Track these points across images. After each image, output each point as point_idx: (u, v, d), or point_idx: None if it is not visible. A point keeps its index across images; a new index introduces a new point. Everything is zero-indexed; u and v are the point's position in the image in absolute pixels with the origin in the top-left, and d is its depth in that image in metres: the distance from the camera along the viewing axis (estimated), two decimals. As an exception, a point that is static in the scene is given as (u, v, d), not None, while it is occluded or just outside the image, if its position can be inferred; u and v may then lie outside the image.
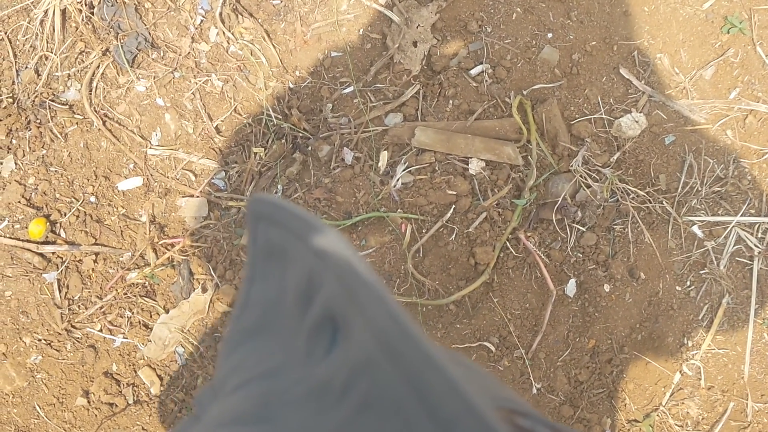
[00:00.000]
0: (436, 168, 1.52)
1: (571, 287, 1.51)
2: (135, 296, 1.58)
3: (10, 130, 1.62)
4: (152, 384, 1.59)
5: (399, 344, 0.31)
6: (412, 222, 1.51)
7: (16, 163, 1.62)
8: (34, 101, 1.61)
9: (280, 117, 1.58)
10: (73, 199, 1.60)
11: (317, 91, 1.59)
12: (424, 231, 1.52)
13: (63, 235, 1.60)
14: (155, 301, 1.59)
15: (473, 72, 1.56)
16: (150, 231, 1.59)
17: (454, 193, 1.50)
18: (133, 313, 1.58)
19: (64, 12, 1.62)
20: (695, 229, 1.54)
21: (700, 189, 1.54)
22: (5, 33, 1.64)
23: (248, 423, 0.38)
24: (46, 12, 1.61)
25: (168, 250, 1.58)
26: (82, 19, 1.61)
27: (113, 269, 1.59)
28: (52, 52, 1.62)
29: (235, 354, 0.46)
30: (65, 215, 1.60)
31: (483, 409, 0.29)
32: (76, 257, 1.59)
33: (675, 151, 1.55)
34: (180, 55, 1.61)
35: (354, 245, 1.53)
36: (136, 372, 1.59)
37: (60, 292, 1.59)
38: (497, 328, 1.52)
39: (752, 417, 1.53)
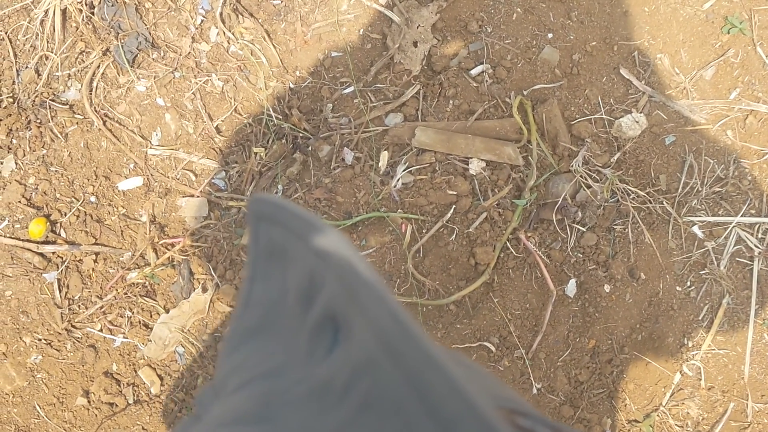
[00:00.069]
0: (437, 168, 1.52)
1: (571, 287, 1.51)
2: (135, 296, 1.58)
3: (11, 130, 1.62)
4: (152, 384, 1.59)
5: (400, 344, 0.31)
6: (413, 222, 1.51)
7: (16, 163, 1.62)
8: (34, 101, 1.61)
9: (280, 117, 1.58)
10: (73, 199, 1.60)
11: (317, 91, 1.59)
12: (424, 231, 1.51)
13: (63, 234, 1.60)
14: (155, 300, 1.59)
15: (473, 72, 1.56)
16: (150, 231, 1.59)
17: (455, 193, 1.50)
18: (133, 312, 1.58)
19: (64, 12, 1.62)
20: (695, 229, 1.54)
21: (700, 189, 1.54)
22: (5, 33, 1.64)
23: (249, 423, 0.38)
24: (46, 12, 1.61)
25: (168, 250, 1.58)
26: (83, 19, 1.60)
27: (113, 269, 1.59)
28: (52, 52, 1.62)
29: (236, 354, 0.46)
30: (65, 215, 1.60)
31: (484, 408, 0.29)
32: (76, 257, 1.59)
33: (675, 151, 1.55)
34: (180, 55, 1.61)
35: (354, 245, 1.53)
36: (136, 372, 1.59)
37: (60, 291, 1.59)
38: (497, 328, 1.52)
39: (752, 417, 1.53)
